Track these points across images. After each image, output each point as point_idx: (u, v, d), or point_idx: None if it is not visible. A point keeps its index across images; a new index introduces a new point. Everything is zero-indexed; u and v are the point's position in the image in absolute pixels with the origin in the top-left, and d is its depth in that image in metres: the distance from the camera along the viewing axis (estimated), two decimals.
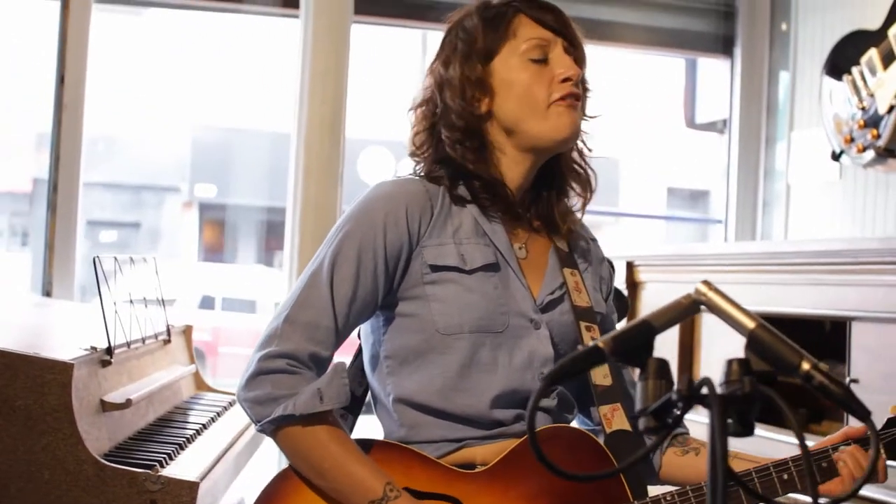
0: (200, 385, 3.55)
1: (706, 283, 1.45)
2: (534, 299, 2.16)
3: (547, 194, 2.25)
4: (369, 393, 2.26)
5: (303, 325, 2.07)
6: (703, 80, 6.04)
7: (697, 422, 2.18)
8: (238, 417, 3.11)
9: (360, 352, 2.28)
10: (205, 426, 2.94)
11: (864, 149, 4.22)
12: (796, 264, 3.52)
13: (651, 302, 4.20)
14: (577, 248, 2.31)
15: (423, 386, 2.11)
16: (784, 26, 5.26)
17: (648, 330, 1.42)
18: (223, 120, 11.68)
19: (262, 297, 10.98)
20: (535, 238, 2.25)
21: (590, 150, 2.28)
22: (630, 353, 1.40)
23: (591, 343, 1.40)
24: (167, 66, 10.80)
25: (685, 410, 1.29)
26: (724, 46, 5.50)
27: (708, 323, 3.92)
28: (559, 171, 2.25)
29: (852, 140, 4.29)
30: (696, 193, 11.35)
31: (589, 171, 2.27)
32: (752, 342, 1.40)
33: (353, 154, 4.39)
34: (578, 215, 2.31)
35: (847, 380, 3.18)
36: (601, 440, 2.11)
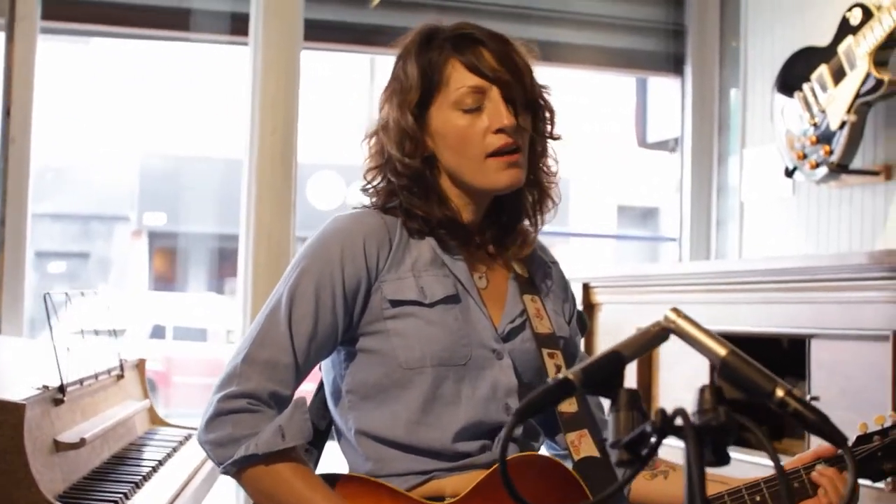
0: (155, 419, 3.49)
1: (675, 310, 1.43)
2: (495, 329, 2.13)
3: (504, 220, 2.22)
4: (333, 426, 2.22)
5: (262, 364, 2.04)
6: (654, 99, 6.06)
7: (667, 444, 2.21)
8: (195, 451, 3.06)
9: (322, 384, 2.24)
10: (161, 462, 2.89)
11: (817, 165, 4.24)
12: (752, 282, 3.52)
13: (608, 323, 4.19)
14: (537, 273, 2.28)
15: (387, 421, 2.07)
16: (734, 44, 5.27)
17: (618, 360, 1.39)
18: (171, 147, 11.65)
19: (214, 325, 10.90)
20: (494, 266, 2.21)
21: (553, 174, 2.24)
22: (600, 385, 1.37)
23: (560, 376, 1.37)
24: (114, 95, 10.72)
25: (659, 442, 1.26)
26: (674, 65, 5.50)
27: (666, 343, 3.86)
28: (515, 195, 2.21)
29: (805, 156, 4.30)
30: (646, 211, 11.41)
31: (548, 193, 2.23)
32: (725, 370, 1.38)
33: (301, 178, 4.35)
34: (538, 238, 2.27)
35: (808, 397, 3.17)
36: (570, 466, 2.08)
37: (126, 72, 10.53)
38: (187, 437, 3.28)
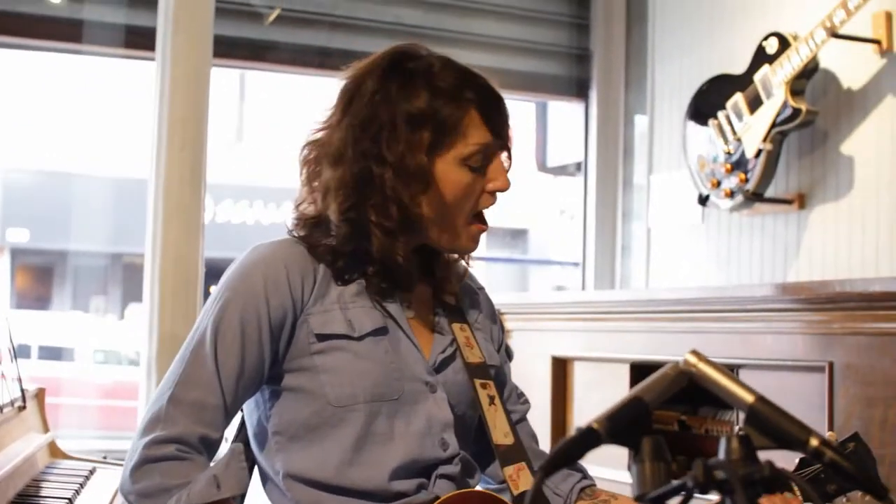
0: (55, 452, 3.27)
1: (695, 353, 1.35)
2: (426, 360, 2.03)
3: (429, 249, 2.11)
4: (256, 470, 2.09)
5: (189, 406, 1.91)
6: (555, 124, 6.02)
7: (601, 478, 2.20)
8: (104, 485, 2.89)
9: (243, 425, 2.12)
10: (71, 500, 2.72)
11: (732, 193, 4.23)
12: (661, 311, 3.51)
13: (519, 353, 4.10)
14: (464, 300, 2.19)
15: (317, 462, 1.96)
16: (641, 69, 5.27)
17: (642, 407, 1.31)
18: (36, 162, 11.34)
19: (81, 344, 10.74)
20: (419, 295, 2.12)
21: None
22: (625, 433, 1.28)
23: (584, 425, 1.28)
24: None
25: (693, 494, 1.18)
26: (577, 89, 5.48)
27: (580, 369, 3.86)
28: None
29: (719, 184, 4.30)
30: (515, 232, 11.45)
31: None
32: (753, 417, 1.30)
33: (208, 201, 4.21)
34: (463, 264, 2.18)
35: (736, 428, 3.16)
36: (508, 500, 2.01)
37: (7, 82, 10.22)
38: (92, 471, 3.10)
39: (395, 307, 2.03)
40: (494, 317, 2.26)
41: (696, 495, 1.19)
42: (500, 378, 2.16)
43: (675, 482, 1.21)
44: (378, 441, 1.96)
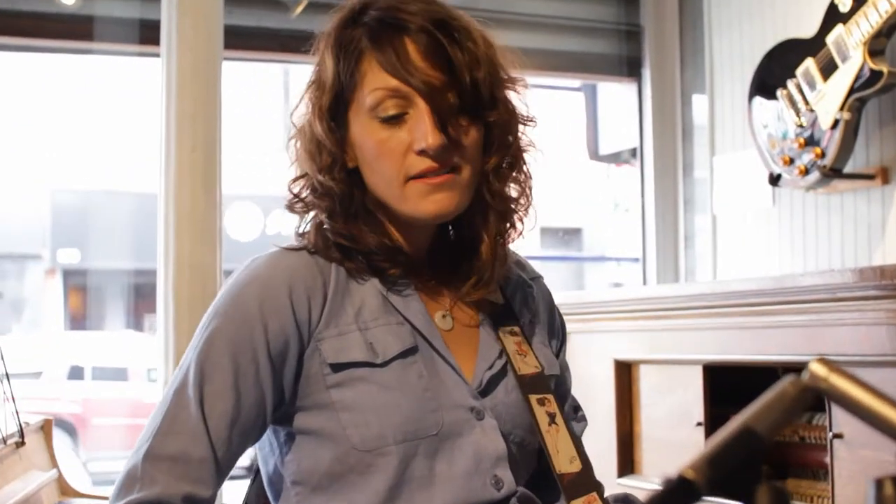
0: (66, 490, 3.03)
1: (822, 361, 0.96)
2: (468, 382, 1.68)
3: (464, 238, 1.75)
4: None
5: (170, 460, 1.57)
6: (606, 107, 5.68)
7: None
8: None
9: (257, 472, 1.79)
10: None
11: (807, 170, 3.87)
12: (733, 305, 3.17)
13: (577, 356, 3.78)
14: (515, 297, 1.83)
15: None
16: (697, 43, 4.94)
17: (754, 442, 0.91)
18: (84, 182, 11.41)
19: (134, 363, 10.65)
20: (455, 298, 1.76)
21: (511, 197, 1.75)
22: (733, 482, 0.89)
23: (676, 475, 0.89)
24: (18, 125, 10.36)
25: None
26: (629, 69, 5.15)
27: (646, 373, 3.52)
28: (466, 221, 1.74)
29: (792, 161, 3.94)
30: (568, 231, 11.18)
31: (505, 218, 1.76)
32: None
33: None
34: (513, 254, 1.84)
35: (830, 435, 2.80)
36: None
37: (28, 94, 10.12)
38: None
39: (426, 321, 1.68)
40: (553, 314, 1.90)
41: None
42: (560, 391, 1.81)
43: None
44: (416, 487, 1.62)
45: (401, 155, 1.62)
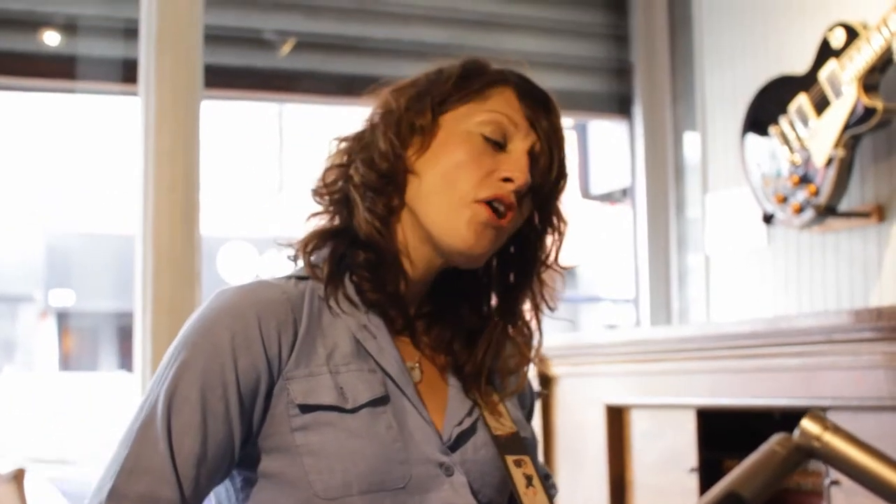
0: None
1: (815, 416, 0.88)
2: (440, 436, 1.61)
3: (442, 303, 1.73)
4: None
5: (135, 500, 1.48)
6: (597, 146, 5.63)
7: None
8: None
9: None
10: None
11: (802, 208, 3.78)
12: (729, 347, 3.12)
13: (570, 401, 3.70)
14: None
15: None
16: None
17: None
18: (75, 223, 11.46)
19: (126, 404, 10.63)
20: (427, 350, 1.71)
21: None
22: None
23: None
24: (9, 166, 10.37)
25: None
26: (619, 106, 5.08)
27: (638, 418, 3.46)
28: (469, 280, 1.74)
29: (786, 199, 3.86)
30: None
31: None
32: None
33: (210, 251, 3.81)
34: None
35: (827, 481, 2.74)
36: None
37: (14, 134, 10.12)
38: None
39: (400, 370, 1.61)
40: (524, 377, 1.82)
41: None
42: (532, 454, 1.73)
43: None
44: None
45: (485, 174, 1.61)
